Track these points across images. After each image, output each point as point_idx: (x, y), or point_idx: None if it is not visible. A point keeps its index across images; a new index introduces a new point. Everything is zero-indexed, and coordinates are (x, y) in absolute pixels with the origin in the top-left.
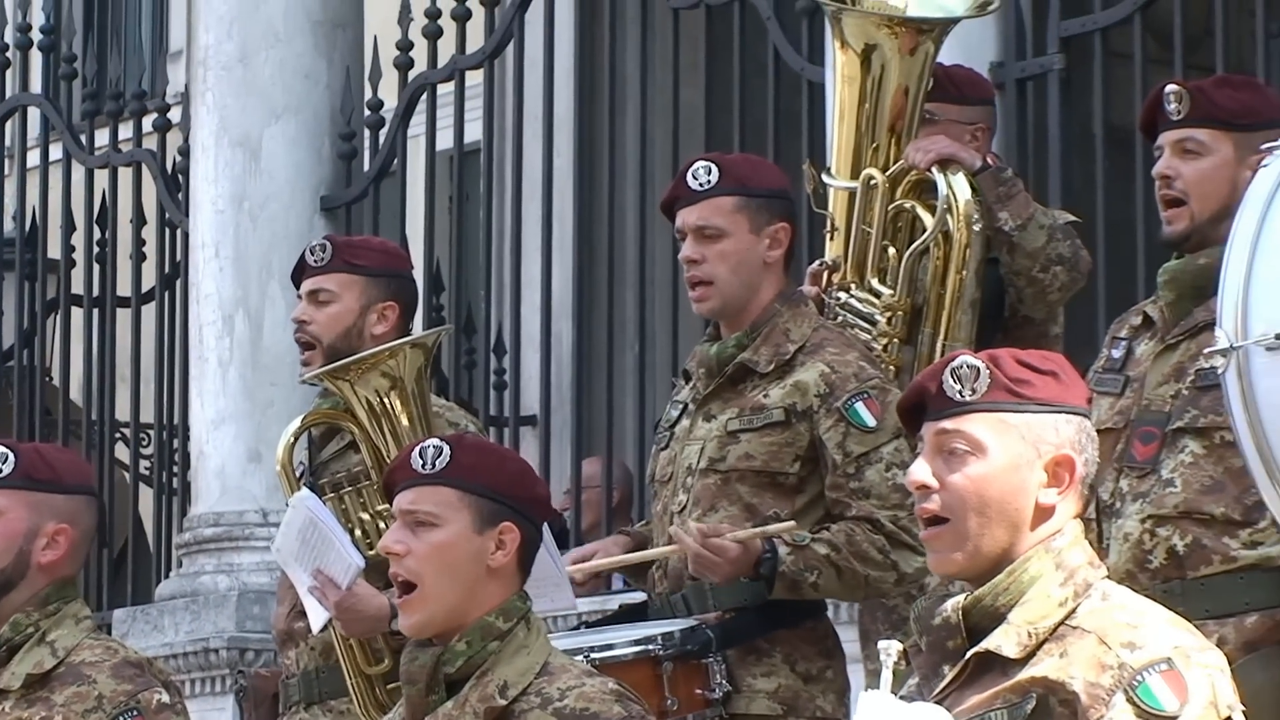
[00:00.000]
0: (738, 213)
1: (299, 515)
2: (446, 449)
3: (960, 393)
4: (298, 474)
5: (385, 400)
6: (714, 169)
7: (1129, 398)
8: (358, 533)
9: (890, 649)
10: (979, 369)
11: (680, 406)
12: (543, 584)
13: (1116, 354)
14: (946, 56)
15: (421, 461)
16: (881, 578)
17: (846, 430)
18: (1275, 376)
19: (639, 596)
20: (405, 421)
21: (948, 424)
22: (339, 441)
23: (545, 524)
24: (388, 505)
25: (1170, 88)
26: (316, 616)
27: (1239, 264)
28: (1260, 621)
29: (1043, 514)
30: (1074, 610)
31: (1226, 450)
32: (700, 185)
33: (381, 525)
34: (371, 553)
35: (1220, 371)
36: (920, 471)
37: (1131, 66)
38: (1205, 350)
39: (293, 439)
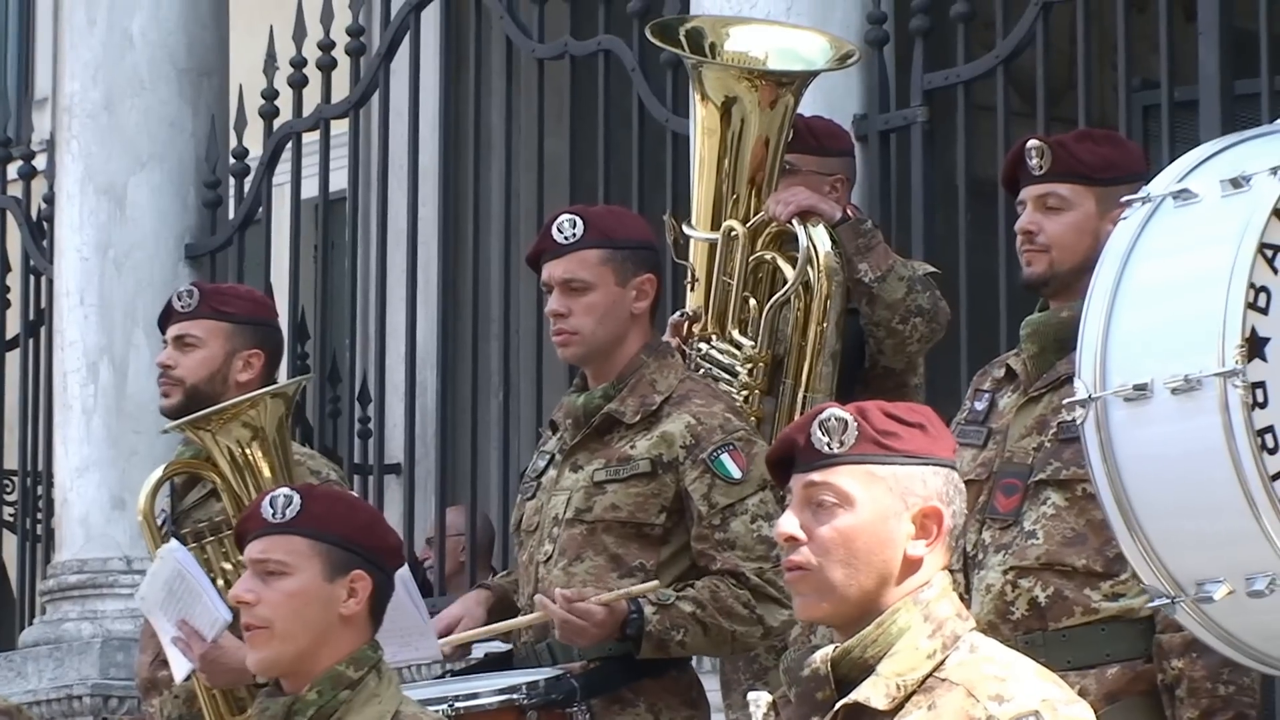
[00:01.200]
0: (603, 265)
1: (167, 566)
2: (296, 498)
3: (828, 445)
4: (160, 522)
5: (246, 450)
6: (579, 222)
7: (992, 450)
8: (219, 582)
9: (759, 700)
10: (847, 421)
11: (547, 457)
12: (408, 633)
13: (979, 406)
14: (810, 108)
15: (272, 511)
16: (748, 632)
17: (712, 482)
18: (1133, 428)
19: (504, 645)
20: (266, 471)
21: (816, 476)
22: (201, 489)
23: (404, 572)
24: (241, 557)
25: (1031, 143)
26: (179, 666)
27: (1098, 315)
28: (1121, 673)
29: (910, 566)
30: (942, 662)
31: (1088, 502)
32: (565, 238)
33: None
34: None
35: (1079, 423)
36: (788, 524)
37: (994, 119)
38: (1064, 401)
39: (154, 488)
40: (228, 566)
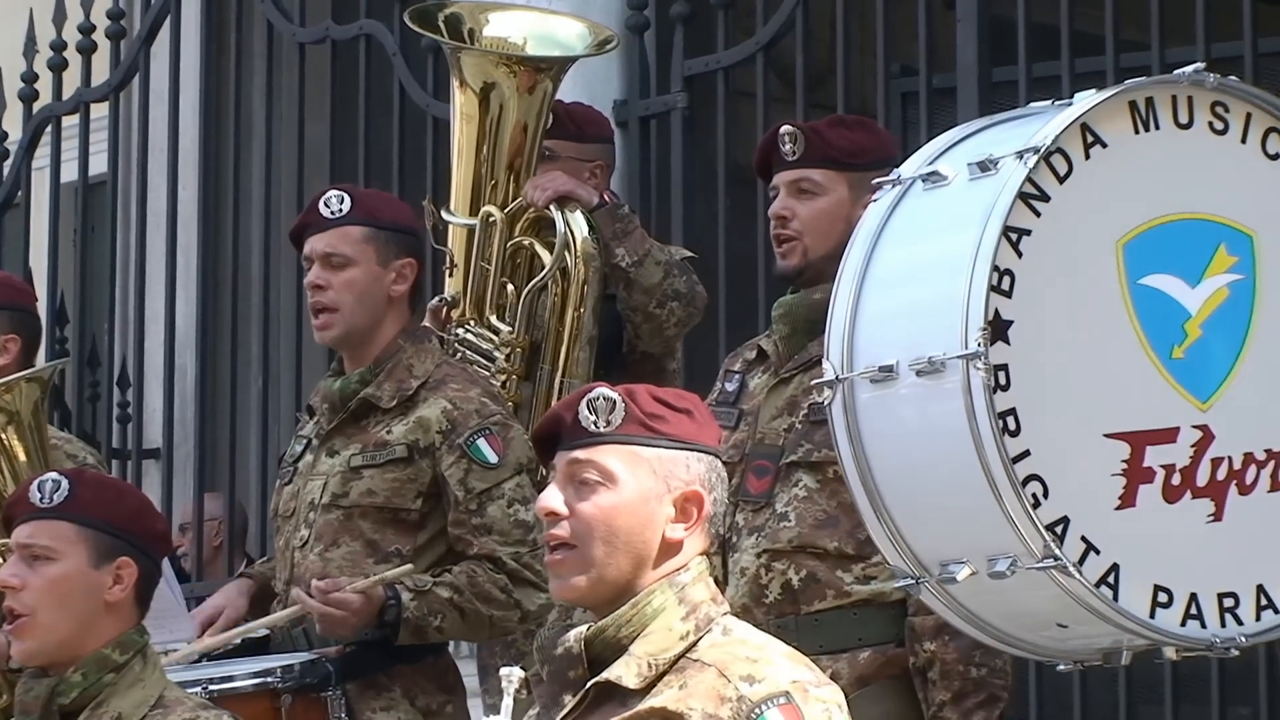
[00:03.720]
0: (366, 243)
1: None
2: (65, 483)
3: (595, 424)
4: None
5: (1, 435)
6: (346, 198)
7: (743, 431)
8: None
9: (512, 675)
10: (615, 401)
11: (304, 441)
12: (162, 615)
13: (730, 387)
14: (572, 94)
15: (40, 495)
16: (505, 617)
17: (468, 467)
18: (879, 409)
19: (261, 630)
20: (22, 456)
21: (580, 454)
22: None
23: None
24: (5, 540)
25: (785, 128)
26: None
27: (846, 297)
28: (873, 657)
29: (669, 549)
30: (695, 643)
31: (839, 484)
32: (332, 213)
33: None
34: None
35: (826, 404)
36: (551, 499)
37: (755, 105)
38: (812, 382)
39: None
40: None
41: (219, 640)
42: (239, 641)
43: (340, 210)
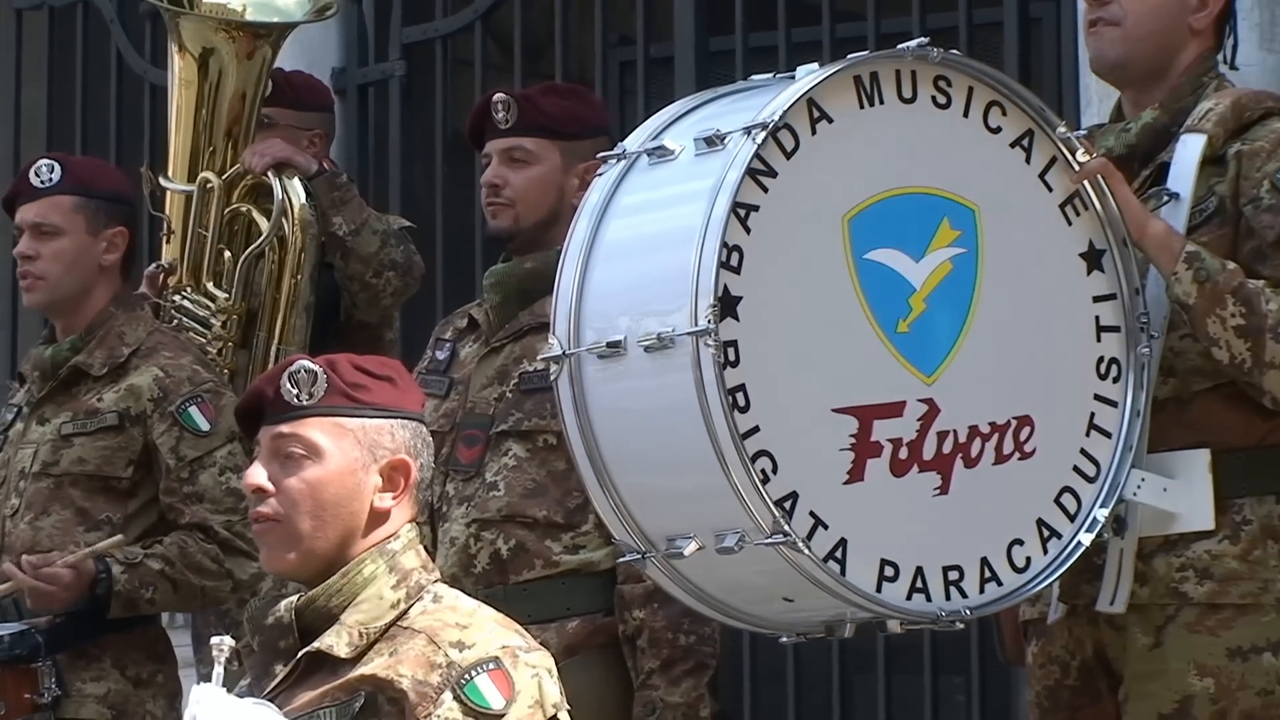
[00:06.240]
0: (77, 213)
1: None
2: None
3: (297, 397)
4: None
5: None
6: (57, 168)
7: (454, 400)
8: None
9: (223, 645)
10: (316, 373)
11: (15, 409)
12: None
13: (441, 356)
14: (289, 61)
15: None
16: (217, 587)
17: (180, 434)
18: (607, 385)
19: None
20: None
21: (284, 428)
22: None
23: None
24: None
25: (497, 96)
26: None
27: (572, 271)
28: (581, 626)
29: (378, 518)
30: (406, 611)
31: (550, 454)
32: (42, 183)
33: None
34: None
35: (553, 378)
36: (256, 475)
37: (473, 74)
38: (540, 356)
39: None
40: None
41: None
42: None
43: (50, 180)
